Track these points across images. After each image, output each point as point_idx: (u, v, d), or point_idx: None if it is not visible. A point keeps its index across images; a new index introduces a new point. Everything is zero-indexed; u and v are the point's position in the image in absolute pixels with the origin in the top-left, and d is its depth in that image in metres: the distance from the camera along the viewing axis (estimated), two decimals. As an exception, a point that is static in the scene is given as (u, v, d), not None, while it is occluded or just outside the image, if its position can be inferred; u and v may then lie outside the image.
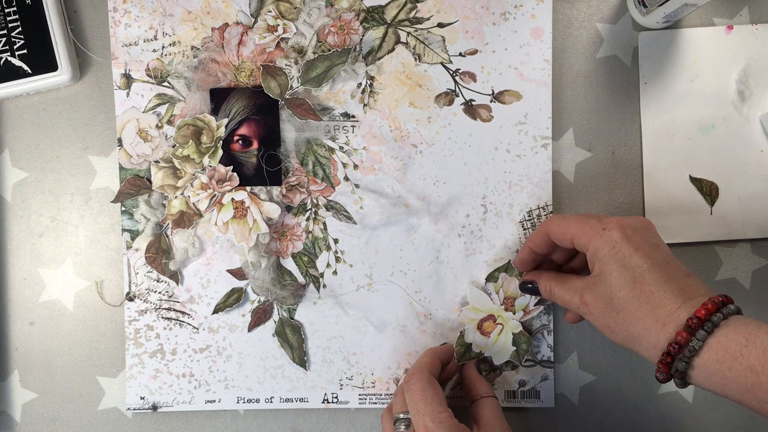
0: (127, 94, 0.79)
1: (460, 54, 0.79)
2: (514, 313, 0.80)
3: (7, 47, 0.78)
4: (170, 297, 0.80)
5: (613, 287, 0.63)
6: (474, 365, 0.79)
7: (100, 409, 0.81)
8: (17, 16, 0.78)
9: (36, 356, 0.81)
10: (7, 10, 0.78)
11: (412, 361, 0.80)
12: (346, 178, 0.79)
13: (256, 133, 0.79)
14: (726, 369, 0.56)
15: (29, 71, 0.78)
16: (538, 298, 0.79)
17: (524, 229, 0.79)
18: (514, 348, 0.80)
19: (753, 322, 0.57)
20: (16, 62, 0.78)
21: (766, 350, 0.54)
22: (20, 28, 0.78)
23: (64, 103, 0.81)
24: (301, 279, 0.80)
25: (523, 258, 0.75)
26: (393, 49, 0.79)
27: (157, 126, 0.79)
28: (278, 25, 0.78)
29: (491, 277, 0.80)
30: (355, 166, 0.79)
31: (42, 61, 0.78)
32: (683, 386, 0.60)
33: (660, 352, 0.60)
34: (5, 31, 0.78)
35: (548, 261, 0.77)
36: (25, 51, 0.78)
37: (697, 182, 0.79)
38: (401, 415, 0.72)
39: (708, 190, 0.79)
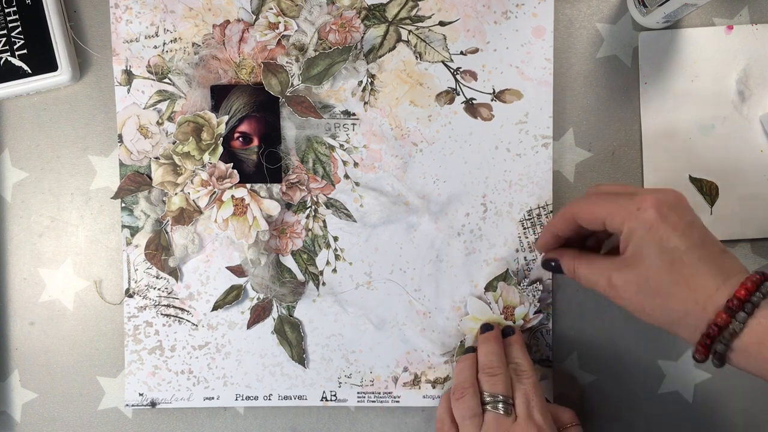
0: (128, 90, 0.79)
1: (461, 52, 0.79)
2: (514, 323, 0.80)
3: (7, 47, 0.78)
4: (170, 294, 0.80)
5: (651, 270, 0.60)
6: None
7: (100, 409, 0.81)
8: (17, 16, 0.78)
9: (36, 356, 0.81)
10: (7, 10, 0.78)
11: (411, 359, 0.80)
12: (346, 176, 0.79)
13: (257, 131, 0.79)
14: (766, 350, 0.56)
15: (29, 71, 0.78)
16: (538, 306, 0.79)
17: (524, 228, 0.79)
18: None
19: None
20: (16, 62, 0.78)
21: None
22: (20, 28, 0.78)
23: (64, 103, 0.81)
24: (300, 276, 0.80)
25: (546, 242, 0.73)
26: (394, 48, 0.79)
27: (157, 122, 0.79)
28: (279, 22, 0.78)
29: (490, 287, 0.80)
30: (356, 164, 0.79)
31: (42, 61, 0.78)
32: (720, 366, 0.59)
33: (699, 334, 0.59)
34: (5, 31, 0.78)
35: (571, 242, 0.74)
36: (25, 51, 0.78)
37: (697, 182, 0.79)
38: (502, 397, 0.71)
39: (708, 190, 0.79)
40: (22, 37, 0.78)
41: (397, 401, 0.80)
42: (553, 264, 0.72)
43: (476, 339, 0.79)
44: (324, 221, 0.80)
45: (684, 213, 0.62)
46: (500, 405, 0.70)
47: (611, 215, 0.63)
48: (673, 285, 0.60)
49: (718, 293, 0.58)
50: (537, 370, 0.77)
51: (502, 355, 0.75)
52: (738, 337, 0.57)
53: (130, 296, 0.80)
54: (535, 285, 0.79)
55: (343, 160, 0.79)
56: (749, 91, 0.79)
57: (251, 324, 0.81)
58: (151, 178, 0.79)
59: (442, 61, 0.79)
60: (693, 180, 0.79)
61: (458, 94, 0.79)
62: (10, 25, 0.77)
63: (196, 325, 0.80)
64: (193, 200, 0.79)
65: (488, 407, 0.71)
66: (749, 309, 0.56)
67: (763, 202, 0.79)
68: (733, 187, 0.79)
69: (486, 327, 0.77)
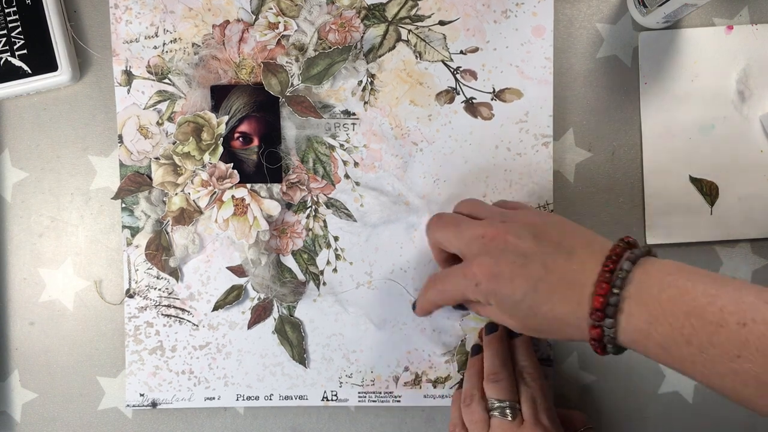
0: (128, 90, 0.79)
1: (461, 52, 0.79)
2: None
3: (7, 47, 0.78)
4: (170, 294, 0.80)
5: (521, 319, 0.62)
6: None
7: (100, 409, 0.81)
8: (17, 16, 0.78)
9: (36, 356, 0.81)
10: (7, 10, 0.78)
11: (412, 359, 0.80)
12: (347, 176, 0.79)
13: (257, 131, 0.79)
14: (641, 346, 0.56)
15: (29, 71, 0.78)
16: None
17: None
18: None
19: (655, 277, 0.56)
20: (16, 62, 0.78)
21: (669, 325, 0.54)
22: (20, 28, 0.78)
23: (64, 103, 0.81)
24: (301, 276, 0.80)
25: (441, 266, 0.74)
26: (394, 47, 0.79)
27: (157, 123, 0.79)
28: (279, 22, 0.78)
29: None
30: (356, 164, 0.79)
31: (42, 61, 0.78)
32: (622, 353, 0.59)
33: (587, 337, 0.59)
34: (5, 31, 0.78)
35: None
36: (25, 51, 0.78)
37: (697, 182, 0.79)
38: (511, 402, 0.71)
39: (708, 190, 0.79)
40: (22, 37, 0.78)
41: (398, 401, 0.80)
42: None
43: (480, 338, 0.79)
44: (324, 221, 0.80)
45: (514, 252, 0.62)
46: (507, 410, 0.71)
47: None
48: (545, 324, 0.61)
49: (581, 309, 0.58)
50: (543, 371, 0.77)
51: (507, 357, 0.75)
52: (618, 339, 0.57)
53: (131, 296, 0.80)
54: None
55: (343, 160, 0.79)
56: (749, 91, 0.79)
57: (252, 324, 0.81)
58: (151, 179, 0.79)
59: (442, 61, 0.79)
60: (693, 180, 0.79)
61: (458, 94, 0.79)
62: (10, 25, 0.77)
63: (197, 326, 0.80)
64: (194, 200, 0.79)
65: (494, 413, 0.71)
66: (611, 313, 0.56)
67: (763, 202, 0.79)
68: (733, 187, 0.79)
69: (491, 327, 0.77)
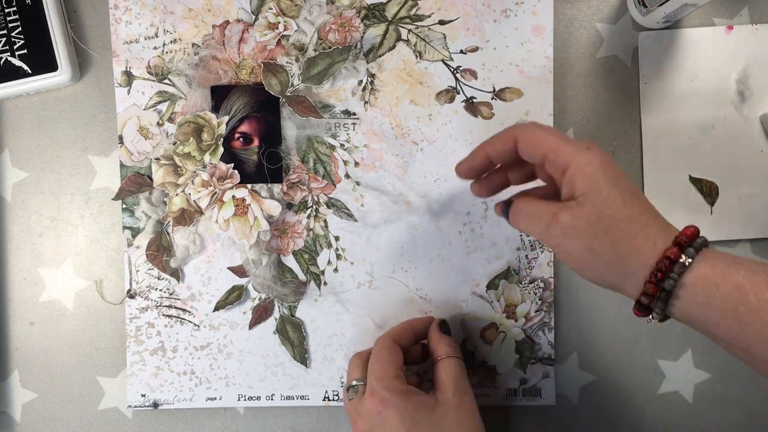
0: (128, 91, 0.79)
1: (461, 51, 0.79)
2: (516, 321, 0.80)
3: (7, 47, 0.78)
4: (171, 294, 0.80)
5: (605, 204, 0.58)
6: (437, 326, 0.76)
7: (100, 409, 0.81)
8: (17, 16, 0.78)
9: (36, 356, 0.81)
10: (7, 10, 0.78)
11: (413, 358, 0.80)
12: (347, 176, 0.79)
13: (257, 131, 0.79)
14: (713, 287, 0.55)
15: (29, 71, 0.78)
16: (539, 303, 0.79)
17: (525, 228, 0.80)
18: (518, 355, 0.80)
19: (723, 254, 0.57)
20: (16, 62, 0.78)
21: (753, 270, 0.54)
22: (20, 28, 0.78)
23: (64, 103, 0.81)
24: (302, 276, 0.80)
25: (473, 164, 0.67)
26: (394, 47, 0.79)
27: (158, 123, 0.79)
28: (279, 22, 0.78)
29: (492, 285, 0.80)
30: (356, 164, 0.79)
31: (42, 61, 0.78)
32: (662, 319, 0.58)
33: (649, 270, 0.57)
34: (5, 31, 0.78)
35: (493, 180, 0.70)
36: (25, 51, 0.78)
37: (697, 182, 0.79)
38: (353, 382, 0.72)
39: (708, 190, 0.79)
40: (22, 37, 0.78)
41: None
42: (503, 206, 0.68)
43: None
44: (325, 221, 0.80)
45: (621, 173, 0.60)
46: (349, 392, 0.72)
47: (558, 147, 0.61)
48: (625, 221, 0.58)
49: (666, 232, 0.57)
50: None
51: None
52: (688, 271, 0.56)
53: (132, 297, 0.80)
54: (536, 283, 0.79)
55: (343, 160, 0.79)
56: (749, 91, 0.79)
57: (253, 324, 0.81)
58: (151, 179, 0.79)
59: (442, 60, 0.79)
60: (693, 180, 0.79)
61: (458, 93, 0.79)
62: (10, 25, 0.77)
63: (198, 326, 0.80)
64: (194, 201, 0.79)
65: (347, 396, 0.73)
66: (698, 245, 0.56)
67: (763, 202, 0.79)
68: (733, 187, 0.79)
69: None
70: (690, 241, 0.56)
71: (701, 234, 0.57)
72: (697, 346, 0.81)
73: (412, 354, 0.77)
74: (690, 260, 0.55)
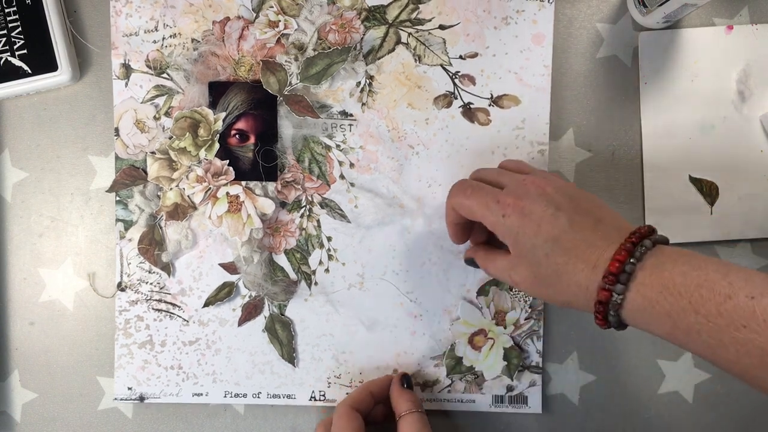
0: (126, 84, 0.79)
1: (461, 57, 0.79)
2: (505, 328, 0.80)
3: (7, 47, 0.78)
4: (161, 288, 0.80)
5: (533, 266, 0.63)
6: (398, 381, 0.78)
7: (100, 409, 0.81)
8: (17, 16, 0.78)
9: (36, 356, 0.81)
10: (7, 10, 0.78)
11: (401, 361, 0.81)
12: (342, 177, 0.79)
13: (254, 128, 0.79)
14: (647, 316, 0.57)
15: (29, 71, 0.78)
16: (529, 311, 0.80)
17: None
18: (505, 363, 0.80)
19: (670, 256, 0.58)
20: (16, 62, 0.78)
21: (679, 294, 0.55)
22: (20, 28, 0.78)
23: (64, 103, 0.81)
24: (293, 275, 0.80)
25: (452, 233, 0.74)
26: (393, 50, 0.79)
27: (154, 117, 0.79)
28: (279, 21, 0.78)
29: (482, 291, 0.80)
30: (351, 165, 0.79)
31: (42, 61, 0.78)
32: (624, 328, 0.61)
33: (592, 310, 0.60)
34: (5, 31, 0.78)
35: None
36: (25, 51, 0.78)
37: (697, 182, 0.79)
38: None
39: (708, 190, 0.79)
40: (22, 37, 0.78)
41: (386, 403, 0.81)
42: (472, 260, 0.74)
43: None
44: (318, 221, 0.80)
45: (548, 200, 0.63)
46: None
47: (483, 218, 0.66)
48: (554, 276, 0.62)
49: (595, 272, 0.60)
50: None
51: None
52: (622, 308, 0.58)
53: (122, 290, 0.80)
54: None
55: (339, 161, 0.79)
56: (749, 91, 0.79)
57: (242, 321, 0.81)
58: (146, 173, 0.79)
59: (441, 65, 0.79)
60: (693, 180, 0.79)
61: (456, 98, 0.79)
62: (10, 25, 0.77)
63: (187, 321, 0.81)
64: (188, 196, 0.79)
65: None
66: (624, 280, 0.58)
67: (763, 202, 0.79)
68: (733, 187, 0.79)
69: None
70: (617, 277, 0.58)
71: (644, 240, 0.60)
72: (697, 346, 0.81)
73: (374, 415, 0.78)
74: (621, 296, 0.58)
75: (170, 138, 0.79)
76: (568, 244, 0.61)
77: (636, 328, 0.60)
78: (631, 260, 0.58)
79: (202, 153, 0.78)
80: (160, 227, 0.80)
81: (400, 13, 0.79)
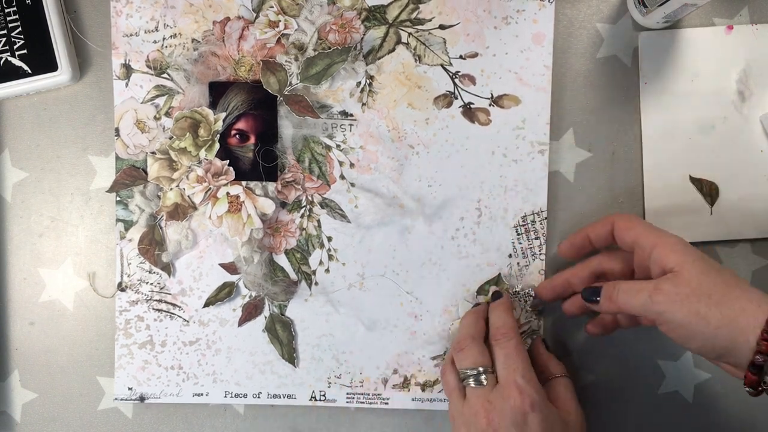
0: (126, 84, 0.79)
1: (461, 56, 0.79)
2: None
3: (7, 47, 0.78)
4: (162, 289, 0.80)
5: (702, 272, 0.62)
6: (541, 342, 0.78)
7: (100, 409, 0.82)
8: (17, 16, 0.78)
9: (36, 356, 0.81)
10: (7, 10, 0.78)
11: (402, 361, 0.81)
12: (342, 177, 0.79)
13: (254, 128, 0.79)
14: None
15: (29, 71, 0.78)
16: (529, 312, 0.79)
17: (518, 234, 0.79)
18: None
19: None
20: (16, 62, 0.78)
21: None
22: (20, 28, 0.78)
23: (64, 103, 0.81)
24: (293, 275, 0.80)
25: (575, 243, 0.75)
26: (393, 50, 0.79)
27: (154, 117, 0.79)
28: (280, 21, 0.78)
29: (482, 291, 0.80)
30: (352, 165, 0.79)
31: (42, 61, 0.78)
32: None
33: (760, 328, 0.58)
34: (5, 31, 0.78)
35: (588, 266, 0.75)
36: (25, 51, 0.78)
37: (697, 182, 0.79)
38: (481, 368, 0.71)
39: (708, 190, 0.79)
40: (22, 37, 0.78)
41: (386, 403, 0.81)
42: (593, 290, 0.71)
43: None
44: (318, 221, 0.80)
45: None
46: (471, 380, 0.70)
47: (646, 231, 0.68)
48: (723, 285, 0.61)
49: (761, 310, 0.59)
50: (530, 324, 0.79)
51: (475, 325, 0.75)
52: None
53: (123, 290, 0.80)
54: (527, 291, 0.79)
55: (339, 161, 0.79)
56: (749, 91, 0.79)
57: (242, 321, 0.81)
58: (146, 173, 0.79)
59: (441, 65, 0.79)
60: (693, 180, 0.79)
61: (456, 98, 0.79)
62: (10, 25, 0.78)
63: (188, 321, 0.81)
64: (188, 196, 0.79)
65: (464, 383, 0.71)
66: None
67: (763, 202, 0.79)
68: (733, 187, 0.79)
69: (496, 295, 0.78)
70: None
71: None
72: (697, 346, 0.81)
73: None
74: None
75: (170, 138, 0.79)
76: (731, 295, 0.61)
77: None
78: None
79: (203, 153, 0.78)
80: (161, 227, 0.80)
81: (400, 13, 0.79)
